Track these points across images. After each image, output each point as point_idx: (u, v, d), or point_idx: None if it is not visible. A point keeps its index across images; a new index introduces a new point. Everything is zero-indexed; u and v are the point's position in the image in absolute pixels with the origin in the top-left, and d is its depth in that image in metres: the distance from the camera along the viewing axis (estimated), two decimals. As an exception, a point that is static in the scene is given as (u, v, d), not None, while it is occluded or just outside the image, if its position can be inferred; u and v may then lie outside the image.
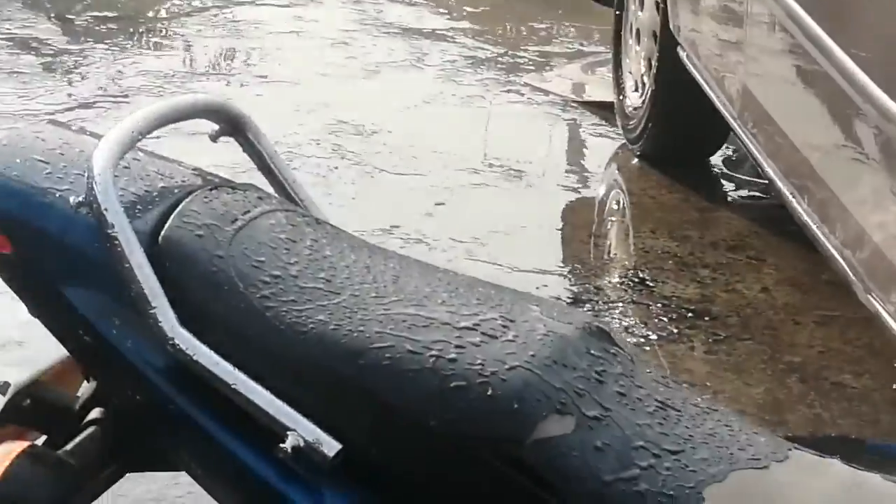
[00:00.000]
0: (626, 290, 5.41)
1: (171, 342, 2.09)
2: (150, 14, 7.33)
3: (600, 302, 5.33)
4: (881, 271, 4.31)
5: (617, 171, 6.26)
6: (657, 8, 6.06)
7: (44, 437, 2.23)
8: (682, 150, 6.18)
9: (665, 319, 5.19)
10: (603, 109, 6.58)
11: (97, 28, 7.13)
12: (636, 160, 6.24)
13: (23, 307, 2.36)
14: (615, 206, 6.08)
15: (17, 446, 2.18)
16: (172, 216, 2.18)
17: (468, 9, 7.74)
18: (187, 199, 2.21)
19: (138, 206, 2.16)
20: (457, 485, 2.04)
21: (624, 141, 6.41)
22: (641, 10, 6.30)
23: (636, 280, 5.48)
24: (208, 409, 2.09)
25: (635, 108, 6.30)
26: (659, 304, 5.29)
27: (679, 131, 6.11)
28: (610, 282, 5.51)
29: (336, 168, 5.90)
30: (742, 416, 2.18)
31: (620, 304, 5.32)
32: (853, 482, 2.06)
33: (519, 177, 6.13)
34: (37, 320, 2.31)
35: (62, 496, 2.21)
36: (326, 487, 2.06)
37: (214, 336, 2.09)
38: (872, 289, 4.38)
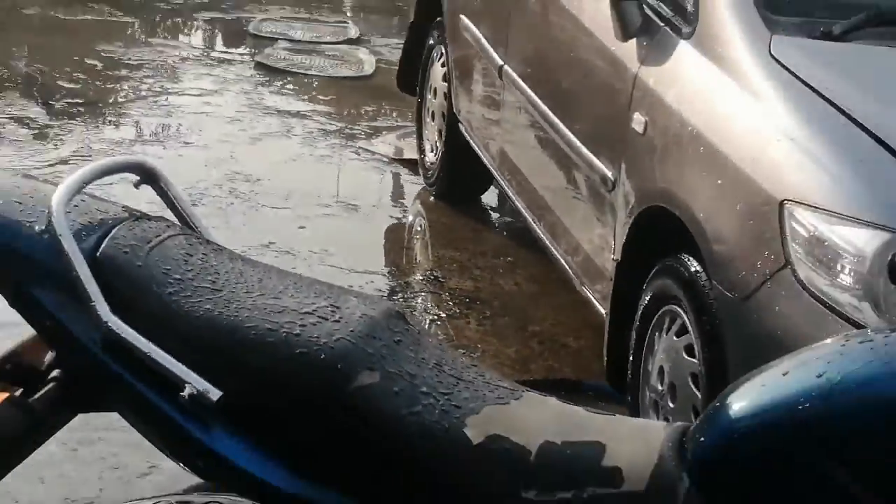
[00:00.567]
0: (425, 284, 5.48)
1: (105, 325, 2.03)
2: (109, 101, 7.24)
3: (409, 292, 5.43)
4: (589, 271, 4.41)
5: (420, 205, 6.27)
6: (445, 97, 6.02)
7: (20, 390, 2.17)
8: (462, 191, 6.21)
9: (451, 304, 5.26)
10: (411, 165, 6.56)
11: (71, 110, 7.04)
12: (432, 198, 6.27)
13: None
14: (419, 228, 6.11)
15: (1, 395, 2.13)
16: (106, 239, 2.15)
17: (321, 97, 7.71)
18: (117, 227, 2.17)
19: (83, 233, 2.13)
20: (304, 433, 1.99)
21: (424, 185, 6.35)
22: (434, 98, 6.29)
23: (432, 278, 5.53)
24: (132, 370, 2.04)
25: (431, 164, 6.31)
26: (447, 294, 5.35)
27: (460, 179, 6.13)
28: (415, 279, 5.57)
29: (232, 203, 5.90)
30: (493, 370, 2.13)
31: (422, 294, 5.43)
32: (563, 412, 2.03)
33: (356, 209, 6.14)
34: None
35: (31, 428, 2.14)
36: (216, 424, 2.00)
37: (135, 320, 2.05)
38: (584, 282, 4.45)
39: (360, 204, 6.21)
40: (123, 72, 7.85)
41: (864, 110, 3.47)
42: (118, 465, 3.82)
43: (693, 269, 3.59)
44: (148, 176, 2.37)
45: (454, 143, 6.00)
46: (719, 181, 3.56)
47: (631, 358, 3.96)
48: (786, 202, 3.32)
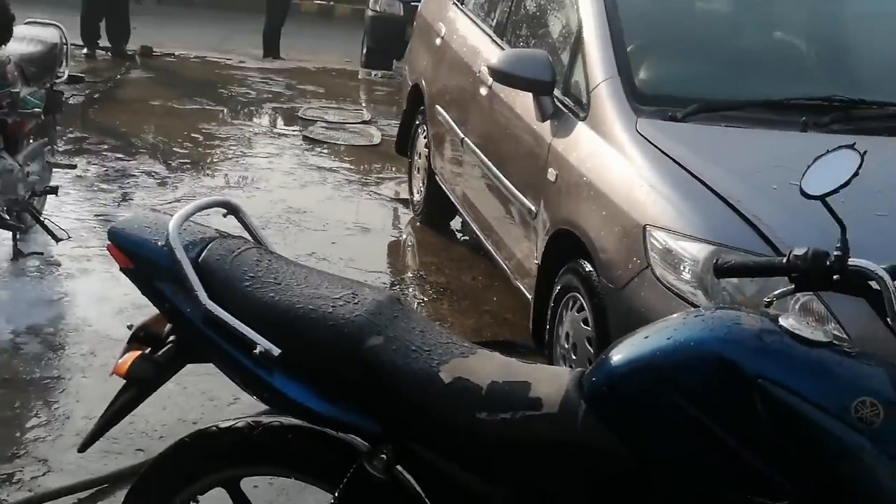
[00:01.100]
0: (413, 279, 5.50)
1: (204, 307, 2.02)
2: (206, 161, 7.23)
3: (403, 284, 5.44)
4: (520, 270, 4.42)
5: (410, 228, 6.29)
6: (426, 158, 6.03)
7: (149, 349, 2.15)
8: (438, 218, 6.24)
9: (431, 291, 5.27)
10: (405, 202, 6.57)
11: (182, 167, 7.02)
12: (418, 223, 6.28)
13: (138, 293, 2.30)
14: (409, 243, 6.13)
15: (136, 353, 2.12)
16: (205, 251, 2.12)
17: (346, 158, 7.73)
18: (212, 243, 2.15)
19: (189, 247, 2.10)
20: (335, 376, 1.99)
21: (413, 215, 6.35)
22: (419, 159, 6.31)
23: (418, 275, 5.57)
24: (222, 336, 2.03)
25: (418, 201, 6.34)
26: (428, 285, 5.36)
27: (436, 211, 6.16)
28: (407, 275, 5.59)
29: (287, 227, 5.92)
30: (458, 335, 2.13)
31: (412, 285, 5.42)
32: (503, 363, 2.04)
33: (368, 231, 6.14)
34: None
35: (156, 374, 2.13)
36: (277, 371, 1.99)
37: (224, 304, 2.03)
38: (517, 277, 4.46)
39: (371, 227, 6.20)
40: (216, 142, 7.82)
41: (696, 166, 3.48)
42: (213, 398, 3.80)
43: (587, 270, 3.60)
44: (232, 209, 2.35)
45: (432, 188, 6.00)
46: (603, 212, 3.57)
47: (548, 327, 3.97)
48: (647, 226, 3.34)
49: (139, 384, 2.14)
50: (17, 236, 5.02)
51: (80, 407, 3.75)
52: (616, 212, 3.50)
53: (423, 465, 1.99)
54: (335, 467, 2.07)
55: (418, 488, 2.06)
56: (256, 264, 2.12)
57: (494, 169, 4.71)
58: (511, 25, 5.14)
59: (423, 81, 6.18)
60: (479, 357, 2.04)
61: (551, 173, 3.99)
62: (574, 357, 3.71)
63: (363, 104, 9.86)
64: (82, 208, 5.89)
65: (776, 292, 2.10)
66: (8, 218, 4.52)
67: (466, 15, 5.81)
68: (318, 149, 7.88)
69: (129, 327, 2.21)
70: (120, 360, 2.11)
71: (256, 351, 1.98)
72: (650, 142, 3.64)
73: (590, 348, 3.59)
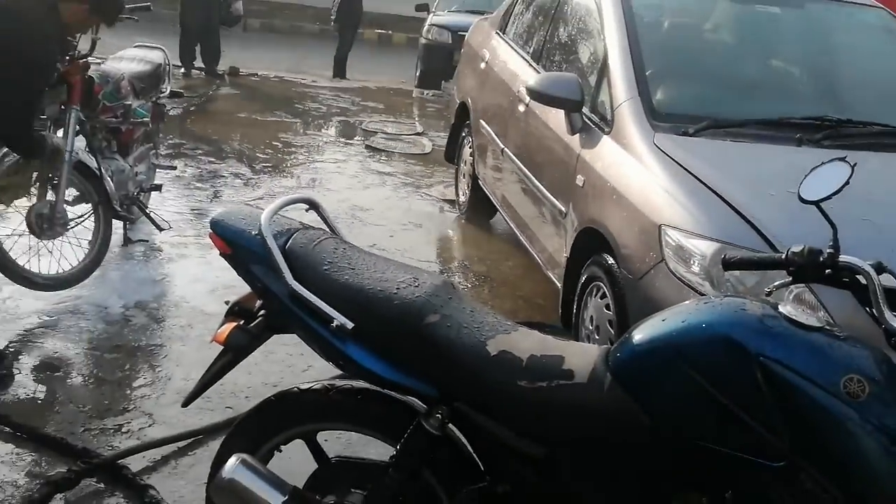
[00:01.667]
0: (459, 268, 5.48)
1: (290, 287, 2.03)
2: (284, 165, 7.29)
3: (450, 272, 5.39)
4: (551, 262, 4.39)
5: (456, 225, 6.30)
6: (471, 165, 6.02)
7: (242, 321, 2.17)
8: (480, 217, 6.19)
9: (474, 279, 5.28)
10: (451, 203, 6.56)
11: (264, 169, 7.07)
12: (463, 221, 6.25)
13: (227, 275, 2.32)
14: (455, 238, 6.13)
15: (232, 324, 2.14)
16: (290, 240, 2.12)
17: (401, 165, 7.72)
18: (296, 233, 2.15)
19: (278, 236, 2.10)
20: (399, 347, 2.00)
21: (458, 214, 6.35)
22: (465, 166, 6.30)
23: (463, 264, 5.55)
24: (304, 311, 2.03)
25: (462, 202, 6.32)
26: (471, 273, 5.37)
27: (478, 210, 6.13)
28: (453, 265, 5.57)
29: (353, 222, 5.94)
30: (504, 314, 2.14)
31: (457, 273, 5.41)
32: (541, 339, 2.05)
33: (421, 226, 6.16)
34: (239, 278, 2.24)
35: (251, 342, 2.14)
36: (350, 342, 2.01)
37: (306, 284, 2.03)
38: (549, 268, 4.44)
39: (423, 224, 6.20)
40: (292, 149, 7.87)
41: (706, 174, 3.46)
42: (290, 364, 3.83)
43: (610, 262, 3.59)
44: (313, 205, 2.35)
45: (475, 190, 5.99)
46: (624, 213, 3.56)
47: (575, 311, 3.96)
48: (662, 225, 3.32)
49: (234, 351, 2.15)
50: (127, 226, 5.09)
51: (179, 370, 3.80)
52: (635, 213, 3.48)
53: (471, 424, 2.00)
54: (397, 424, 2.08)
55: (467, 444, 2.08)
56: (333, 252, 2.13)
57: (530, 175, 4.70)
58: (546, 52, 5.13)
59: (469, 99, 6.17)
60: (520, 333, 2.05)
61: (579, 179, 3.98)
62: (597, 337, 3.70)
63: (416, 118, 9.88)
64: (180, 203, 5.96)
65: (776, 283, 2.09)
66: (121, 210, 4.58)
67: (507, 43, 5.81)
68: (378, 156, 7.90)
69: (227, 303, 2.22)
70: (219, 330, 2.13)
71: (333, 324, 1.99)
72: (666, 153, 3.62)
73: (611, 329, 3.58)
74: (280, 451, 2.27)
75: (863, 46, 4.79)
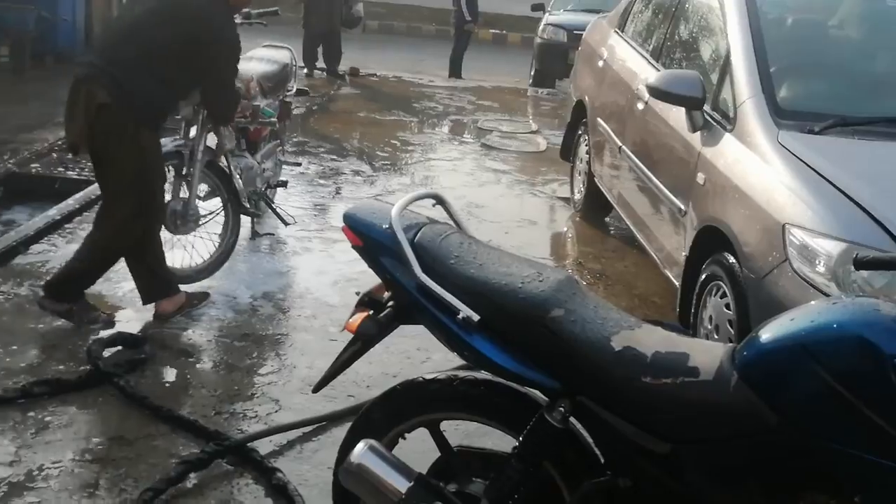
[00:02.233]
0: (574, 266, 5.45)
1: (418, 278, 2.06)
2: (401, 162, 7.41)
3: (565, 269, 5.25)
4: (669, 260, 4.33)
5: (571, 222, 6.27)
6: (587, 163, 5.97)
7: (371, 312, 2.21)
8: (595, 215, 6.13)
9: (588, 276, 5.24)
10: (566, 200, 6.55)
11: (383, 167, 7.19)
12: (578, 218, 6.21)
13: (349, 268, 2.36)
14: (570, 234, 6.09)
15: (363, 314, 2.18)
16: (419, 233, 2.15)
17: (516, 163, 7.76)
18: (424, 227, 2.18)
19: (407, 229, 2.14)
20: (524, 340, 2.00)
21: (573, 211, 6.29)
22: (580, 163, 6.26)
23: (578, 262, 5.51)
24: (432, 303, 2.06)
25: (578, 199, 6.29)
26: (586, 271, 5.34)
27: (594, 208, 6.08)
28: (568, 262, 5.53)
29: (468, 219, 5.88)
30: (627, 311, 2.12)
31: (572, 270, 5.33)
32: (666, 335, 2.02)
33: (536, 224, 6.16)
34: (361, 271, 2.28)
35: (379, 332, 2.17)
36: (476, 334, 2.03)
37: (433, 276, 2.06)
38: (666, 266, 4.38)
39: (537, 221, 6.20)
40: (409, 147, 7.97)
41: (831, 173, 3.36)
42: (409, 356, 3.89)
43: (731, 261, 3.51)
44: (440, 200, 2.35)
45: (591, 188, 5.95)
46: (747, 212, 3.48)
47: (693, 310, 3.89)
48: (786, 224, 3.24)
49: (363, 339, 2.18)
50: (255, 220, 5.25)
51: (303, 359, 3.90)
52: (758, 211, 3.40)
53: (594, 418, 2.00)
54: (519, 416, 2.09)
55: (589, 437, 2.08)
56: (460, 246, 2.15)
57: (648, 172, 4.64)
58: (666, 50, 5.06)
59: (586, 97, 6.13)
60: (644, 330, 2.03)
61: (700, 177, 3.91)
62: (716, 336, 3.63)
63: (531, 117, 9.87)
64: (304, 199, 6.11)
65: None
66: (249, 206, 4.72)
67: (626, 41, 5.75)
68: (493, 154, 7.92)
69: (357, 293, 2.28)
70: (350, 320, 2.17)
71: (460, 316, 2.01)
72: (790, 151, 3.52)
73: (730, 329, 3.51)
74: (404, 438, 2.31)
75: None
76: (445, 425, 2.29)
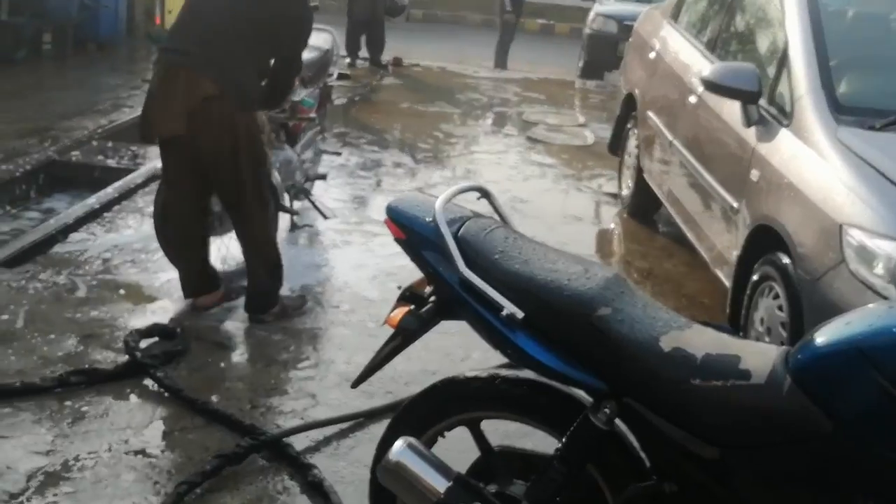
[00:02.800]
0: (620, 264, 5.41)
1: (461, 273, 2.06)
2: (443, 155, 7.43)
3: (613, 266, 5.25)
4: (720, 259, 4.28)
5: (618, 219, 6.22)
6: (636, 157, 5.93)
7: (413, 307, 2.22)
8: (644, 211, 6.08)
9: (636, 275, 5.20)
10: (613, 196, 6.53)
11: (425, 159, 7.19)
12: (625, 215, 6.17)
13: (389, 262, 2.36)
14: (617, 232, 6.05)
15: (405, 309, 2.18)
16: (462, 227, 2.14)
17: (562, 156, 7.73)
18: (468, 221, 2.18)
19: (450, 223, 2.13)
20: (569, 339, 2.00)
21: (621, 208, 6.25)
22: (629, 158, 6.21)
23: (625, 260, 5.47)
24: (475, 298, 2.06)
25: (625, 195, 6.25)
26: (633, 269, 5.30)
27: (642, 204, 6.03)
28: (614, 260, 5.51)
29: (512, 214, 5.82)
30: (676, 311, 2.10)
31: (619, 267, 5.28)
32: (716, 336, 2.00)
33: (581, 220, 6.13)
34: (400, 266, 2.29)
35: (421, 327, 2.18)
36: (520, 331, 2.02)
37: (477, 271, 2.06)
38: (716, 266, 4.33)
39: (583, 217, 6.16)
40: (451, 140, 7.97)
41: (892, 170, 3.32)
42: (448, 353, 3.87)
43: (785, 262, 3.47)
44: (485, 194, 2.36)
45: (640, 183, 5.91)
46: (802, 211, 3.44)
47: (744, 311, 3.85)
48: (844, 224, 3.20)
49: (404, 335, 2.19)
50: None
51: (341, 354, 3.92)
52: (814, 210, 3.36)
53: (640, 420, 1.98)
54: (563, 417, 2.08)
55: (635, 440, 2.07)
56: (504, 241, 2.14)
57: (700, 168, 4.60)
58: (721, 42, 5.01)
59: (637, 90, 6.09)
60: (694, 330, 2.01)
61: (754, 174, 3.86)
62: (768, 339, 3.59)
63: (578, 110, 9.82)
64: (344, 192, 6.13)
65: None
66: (288, 206, 4.73)
67: (679, 32, 5.70)
68: (539, 147, 7.89)
69: (399, 288, 2.28)
70: (391, 314, 2.17)
71: (503, 313, 2.00)
72: (849, 148, 3.48)
73: (783, 332, 3.47)
74: (443, 436, 2.30)
75: None
76: (486, 424, 2.30)
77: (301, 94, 5.06)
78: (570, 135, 8.48)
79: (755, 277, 3.75)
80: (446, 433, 2.30)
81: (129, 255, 4.71)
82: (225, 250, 4.58)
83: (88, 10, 9.53)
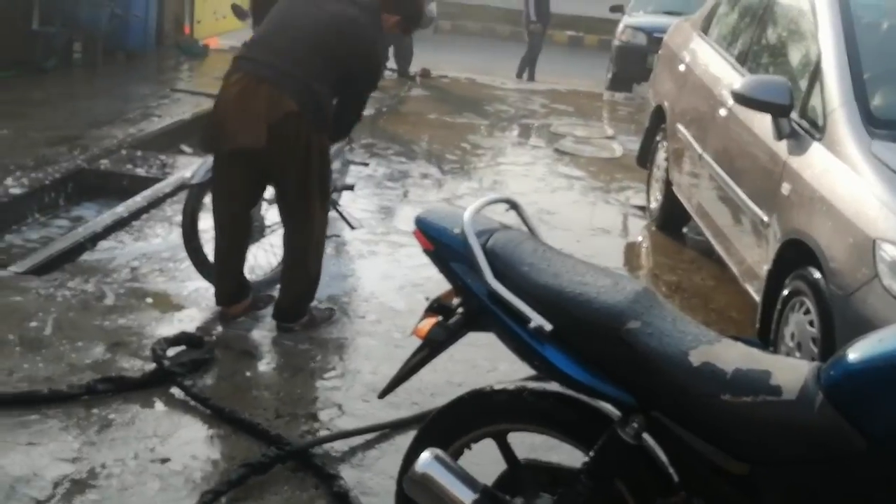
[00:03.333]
0: (648, 277, 5.38)
1: (489, 285, 2.07)
2: (469, 166, 7.43)
3: (641, 280, 5.21)
4: (749, 274, 4.26)
5: (646, 232, 6.20)
6: (665, 170, 5.91)
7: (441, 318, 2.22)
8: (672, 225, 6.04)
9: (664, 289, 5.17)
10: (641, 209, 6.50)
11: (452, 170, 7.20)
12: (654, 228, 6.14)
13: (416, 273, 2.36)
14: (645, 245, 6.02)
15: (433, 320, 2.19)
16: (491, 239, 2.15)
17: (590, 168, 7.70)
18: (496, 233, 2.19)
19: (479, 234, 2.14)
20: (598, 352, 2.00)
21: (649, 221, 6.24)
22: (658, 171, 6.19)
23: (653, 273, 5.44)
24: (503, 310, 2.07)
25: (654, 208, 6.22)
26: (661, 283, 5.27)
27: (671, 217, 5.99)
28: (642, 273, 5.47)
29: (539, 225, 5.82)
30: (704, 325, 2.10)
31: (647, 281, 5.24)
32: (746, 351, 2.00)
33: (609, 233, 6.10)
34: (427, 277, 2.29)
35: (449, 338, 2.18)
36: (548, 344, 2.02)
37: (505, 283, 2.06)
38: (746, 280, 4.31)
39: (611, 230, 6.15)
40: (479, 151, 7.98)
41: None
42: (475, 365, 3.87)
43: (816, 276, 3.45)
44: (513, 205, 2.38)
45: (669, 196, 5.89)
46: (835, 225, 3.41)
47: (774, 326, 3.82)
48: (877, 239, 3.17)
49: (432, 346, 2.20)
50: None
51: (367, 364, 3.92)
52: (847, 225, 3.34)
53: (669, 435, 1.98)
54: (590, 430, 2.08)
55: (663, 455, 2.06)
56: (533, 252, 2.14)
57: (729, 181, 4.58)
58: (752, 54, 4.99)
59: (666, 102, 6.08)
60: (724, 345, 2.00)
61: (785, 187, 3.84)
62: (798, 354, 3.56)
63: (606, 122, 9.81)
64: (371, 202, 6.16)
65: None
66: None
67: (709, 44, 5.69)
68: (567, 160, 7.89)
69: (427, 299, 2.30)
70: (419, 325, 2.18)
71: (531, 325, 2.01)
72: (883, 162, 3.45)
73: (814, 348, 3.44)
74: (470, 448, 2.30)
75: None
76: (513, 437, 2.29)
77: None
78: (598, 147, 8.46)
79: (786, 292, 3.73)
80: (473, 445, 2.31)
81: (157, 264, 4.75)
82: (253, 259, 4.61)
83: (119, 19, 9.65)
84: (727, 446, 1.89)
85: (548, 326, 2.00)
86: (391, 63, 11.07)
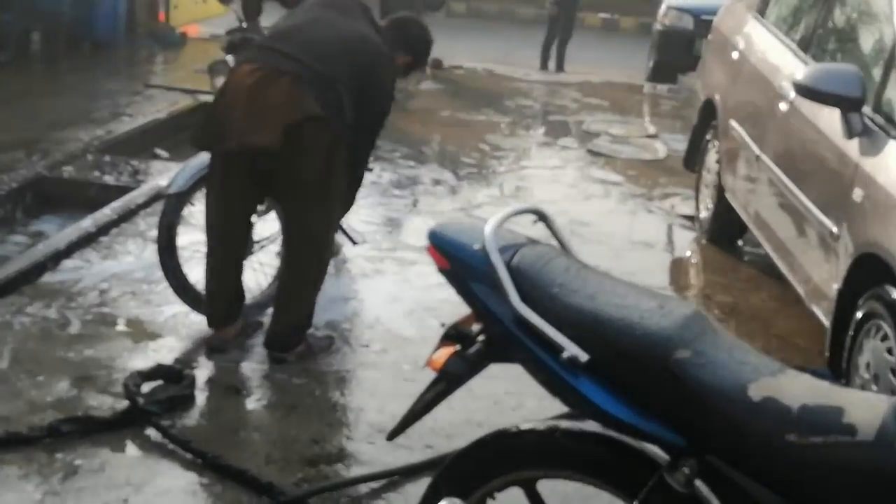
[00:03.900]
0: (699, 299, 5.38)
1: (515, 309, 2.07)
2: (489, 170, 7.47)
3: (691, 301, 5.22)
4: (817, 294, 4.24)
5: (695, 246, 6.22)
6: (716, 174, 5.93)
7: (459, 347, 2.22)
8: (726, 237, 6.04)
9: (717, 311, 5.18)
10: (689, 219, 6.49)
11: (469, 175, 7.23)
12: (704, 241, 6.14)
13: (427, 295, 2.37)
14: (694, 260, 6.04)
15: (449, 349, 2.19)
16: (517, 255, 2.16)
17: (629, 172, 7.73)
18: (523, 248, 2.19)
19: (504, 250, 2.15)
20: (642, 386, 2.00)
21: (698, 232, 6.24)
22: (708, 175, 6.19)
23: (704, 294, 5.44)
24: (531, 338, 2.07)
25: (704, 218, 6.21)
26: (714, 305, 5.28)
27: (724, 228, 5.99)
28: (691, 293, 5.49)
29: (571, 239, 5.84)
30: (765, 354, 2.10)
31: (698, 302, 5.24)
32: (814, 384, 1.99)
33: (652, 247, 6.13)
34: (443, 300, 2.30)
35: (468, 371, 2.19)
36: (584, 377, 2.03)
37: (533, 307, 2.06)
38: (813, 301, 4.28)
39: (654, 243, 6.16)
40: (499, 153, 8.01)
41: None
42: (497, 402, 3.88)
43: (894, 296, 3.45)
44: (542, 217, 2.38)
45: (721, 205, 5.90)
46: (916, 237, 3.43)
47: (846, 355, 3.82)
48: (966, 254, 3.19)
49: (449, 379, 2.20)
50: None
51: (372, 401, 3.93)
52: (930, 237, 3.35)
53: (724, 481, 1.97)
54: (634, 477, 2.07)
55: (718, 504, 2.06)
56: (565, 271, 2.14)
57: (792, 187, 4.58)
58: (817, 39, 5.00)
59: (717, 96, 6.09)
60: (789, 377, 2.00)
61: (857, 193, 3.85)
62: (875, 387, 3.56)
63: (647, 118, 9.83)
64: (376, 212, 6.19)
65: None
66: None
67: (767, 29, 5.70)
68: (601, 162, 7.91)
69: (442, 325, 2.31)
70: (434, 356, 2.18)
71: (564, 355, 2.00)
72: (971, 164, 3.46)
73: (893, 379, 3.44)
74: (493, 497, 2.30)
75: None
76: (543, 485, 2.30)
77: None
78: (638, 147, 8.48)
79: (859, 315, 3.72)
80: (496, 494, 2.31)
81: (128, 286, 4.77)
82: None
83: (83, 5, 9.64)
84: (793, 494, 1.89)
85: (583, 356, 2.00)
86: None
